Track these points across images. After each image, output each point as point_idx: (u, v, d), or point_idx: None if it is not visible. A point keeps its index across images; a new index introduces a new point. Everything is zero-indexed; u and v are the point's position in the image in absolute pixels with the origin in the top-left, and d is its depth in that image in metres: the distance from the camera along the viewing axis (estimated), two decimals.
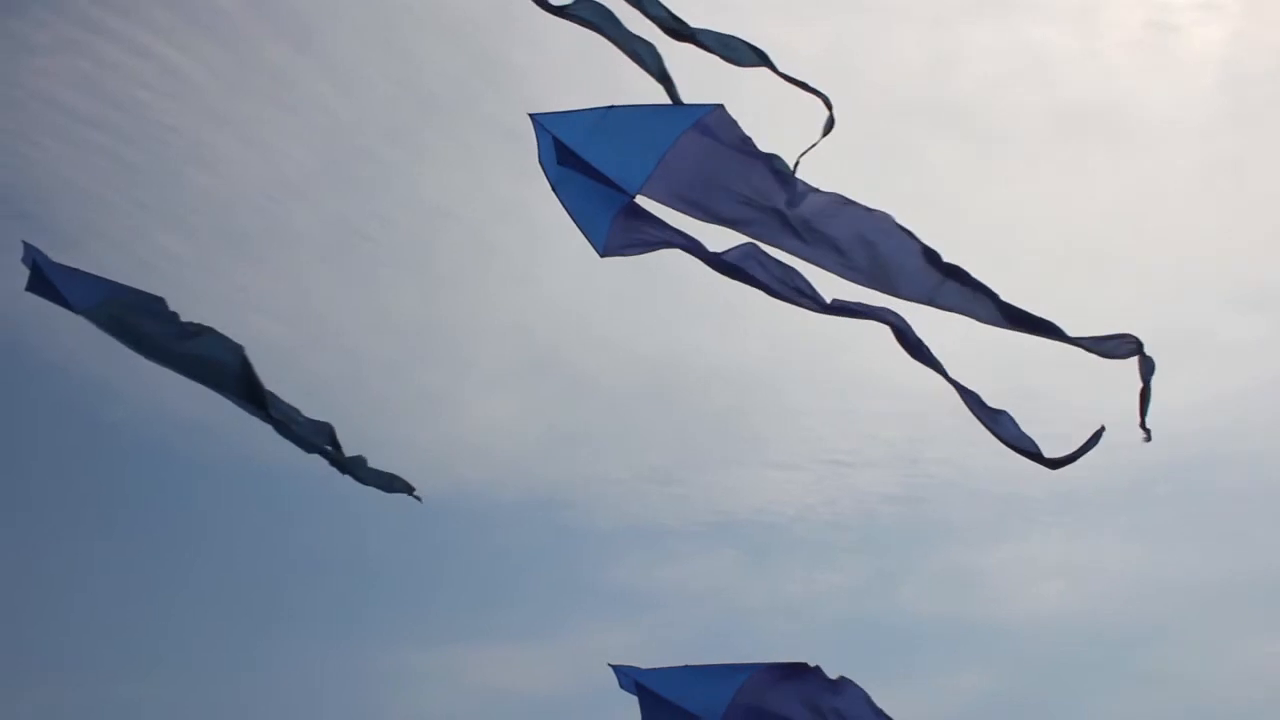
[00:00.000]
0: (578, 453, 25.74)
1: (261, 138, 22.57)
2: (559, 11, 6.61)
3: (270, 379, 6.86)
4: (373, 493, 7.19)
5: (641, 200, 6.54)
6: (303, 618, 24.74)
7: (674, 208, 6.53)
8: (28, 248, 7.29)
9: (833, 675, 8.89)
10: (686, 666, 8.97)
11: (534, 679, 22.74)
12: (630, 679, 8.93)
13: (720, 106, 6.46)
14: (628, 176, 6.46)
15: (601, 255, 6.52)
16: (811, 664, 8.88)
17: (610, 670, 8.93)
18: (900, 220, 6.39)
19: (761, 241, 6.49)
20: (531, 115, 6.40)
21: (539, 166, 6.44)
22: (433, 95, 24.68)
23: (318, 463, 7.13)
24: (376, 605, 25.25)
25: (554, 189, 6.50)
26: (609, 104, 6.44)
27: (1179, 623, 24.91)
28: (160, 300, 7.09)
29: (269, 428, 7.02)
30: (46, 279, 7.25)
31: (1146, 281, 25.56)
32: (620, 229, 6.54)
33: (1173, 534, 24.07)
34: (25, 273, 7.24)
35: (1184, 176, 25.28)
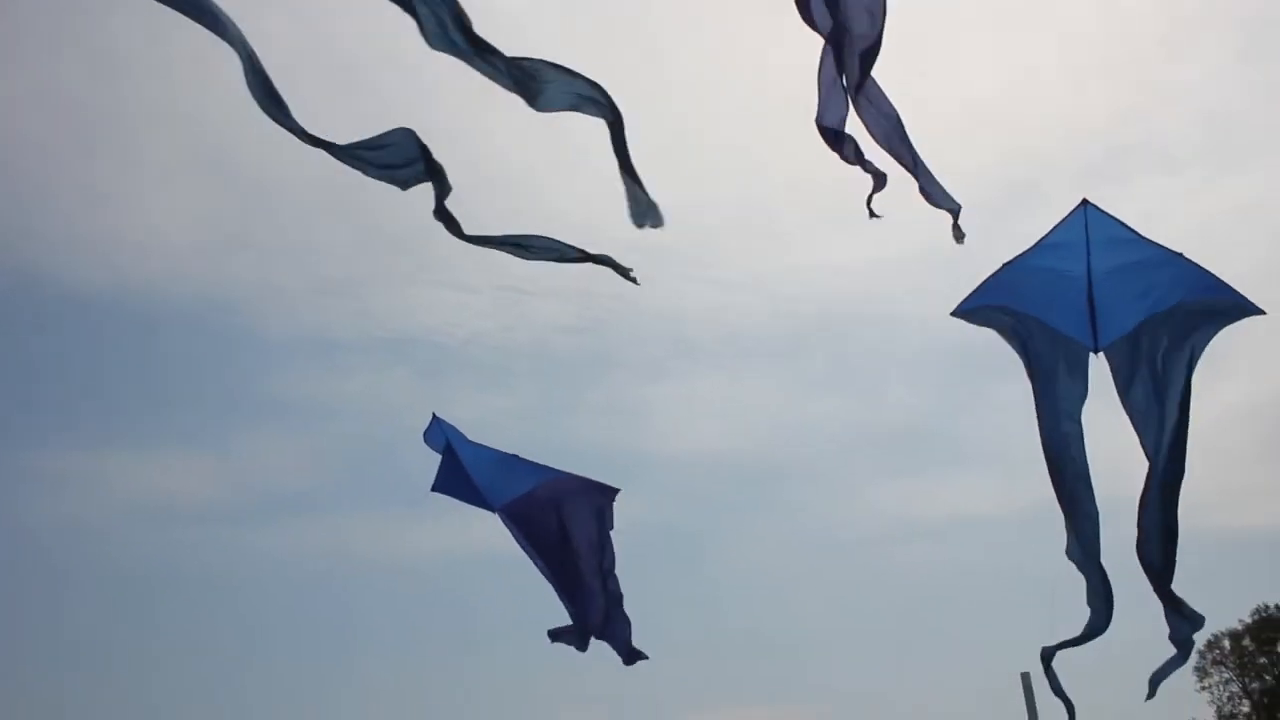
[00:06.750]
0: (252, 258, 24.82)
1: None
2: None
3: None
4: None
5: None
6: None
7: None
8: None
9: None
10: (500, 451, 8.90)
11: (193, 488, 22.22)
12: (441, 436, 8.79)
13: None
14: None
15: None
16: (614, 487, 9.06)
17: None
18: None
19: None
20: None
21: None
22: None
23: None
24: (15, 403, 23.72)
25: None
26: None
27: (818, 463, 27.20)
28: None
29: None
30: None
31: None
32: None
33: (819, 383, 26.04)
34: None
35: None
